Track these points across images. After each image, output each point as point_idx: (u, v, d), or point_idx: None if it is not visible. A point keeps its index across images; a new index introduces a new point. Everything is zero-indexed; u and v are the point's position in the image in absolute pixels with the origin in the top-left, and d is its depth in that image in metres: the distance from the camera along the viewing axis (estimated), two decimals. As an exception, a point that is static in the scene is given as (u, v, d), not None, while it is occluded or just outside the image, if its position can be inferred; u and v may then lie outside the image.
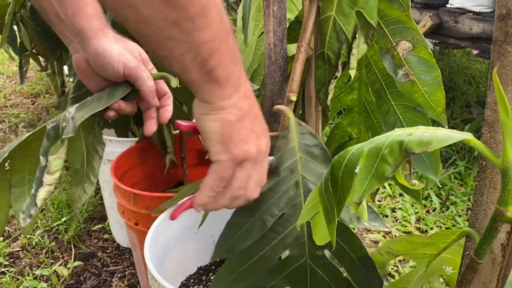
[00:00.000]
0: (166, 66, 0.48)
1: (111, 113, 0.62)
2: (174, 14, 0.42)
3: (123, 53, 0.59)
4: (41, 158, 0.58)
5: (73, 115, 0.57)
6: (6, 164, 0.62)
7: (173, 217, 0.59)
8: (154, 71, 0.64)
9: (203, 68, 0.47)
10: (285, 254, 0.59)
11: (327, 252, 0.58)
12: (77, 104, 0.59)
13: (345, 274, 0.58)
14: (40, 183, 0.57)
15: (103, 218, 1.75)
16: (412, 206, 1.78)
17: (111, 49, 0.58)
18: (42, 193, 0.57)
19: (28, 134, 0.60)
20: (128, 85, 0.60)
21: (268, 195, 0.58)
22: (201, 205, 0.57)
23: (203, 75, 0.48)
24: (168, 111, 0.66)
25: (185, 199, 0.58)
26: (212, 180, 0.54)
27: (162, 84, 0.66)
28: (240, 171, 0.54)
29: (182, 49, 0.45)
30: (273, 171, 0.59)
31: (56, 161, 0.57)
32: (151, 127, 0.66)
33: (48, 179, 0.57)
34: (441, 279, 0.57)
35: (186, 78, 0.49)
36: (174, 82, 0.61)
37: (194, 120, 0.56)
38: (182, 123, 0.58)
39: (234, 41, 0.50)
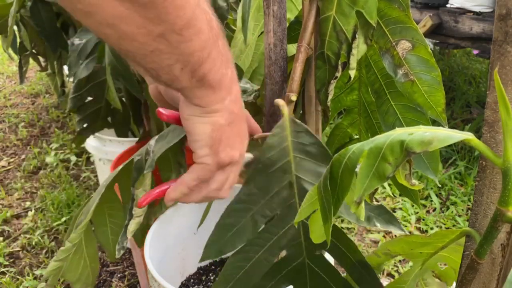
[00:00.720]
0: (154, 77, 0.46)
1: None
2: (158, 28, 0.40)
3: None
4: (132, 189, 0.62)
5: (153, 148, 0.59)
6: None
7: (140, 205, 0.57)
8: None
9: (194, 76, 0.45)
10: (282, 255, 0.58)
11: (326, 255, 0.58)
12: (156, 137, 0.61)
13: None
14: (131, 215, 0.60)
15: (103, 218, 1.75)
16: (412, 206, 1.78)
17: None
18: (132, 226, 0.59)
19: (120, 167, 0.64)
20: None
21: (259, 196, 0.57)
22: (173, 200, 0.56)
23: (194, 83, 0.46)
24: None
25: (157, 188, 0.56)
26: (190, 179, 0.54)
27: None
28: (220, 174, 0.54)
29: (170, 61, 0.43)
30: (261, 169, 0.58)
31: (141, 194, 0.59)
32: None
33: (137, 211, 0.59)
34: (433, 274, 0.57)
35: (176, 87, 0.47)
36: None
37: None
38: (164, 112, 0.55)
39: (225, 42, 0.49)
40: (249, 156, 0.61)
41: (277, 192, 0.57)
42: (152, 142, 0.60)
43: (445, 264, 0.55)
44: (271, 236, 0.56)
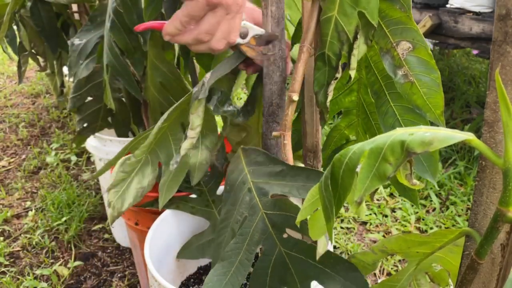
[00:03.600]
0: None
1: (241, 65, 0.71)
2: None
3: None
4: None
5: (207, 79, 0.67)
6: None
7: (137, 29, 0.65)
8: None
9: None
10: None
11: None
12: (210, 71, 0.69)
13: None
14: (185, 137, 0.69)
15: (103, 218, 1.75)
16: (412, 206, 1.78)
17: None
18: (185, 144, 0.67)
19: (181, 100, 0.73)
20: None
21: (232, 209, 0.69)
22: (168, 34, 0.62)
23: None
24: None
25: (157, 21, 0.65)
26: (182, 14, 0.58)
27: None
28: (211, 15, 0.58)
29: None
30: (229, 189, 0.71)
31: (195, 118, 0.67)
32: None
33: (191, 133, 0.67)
34: (427, 276, 0.57)
35: None
36: None
37: None
38: None
39: None
40: (259, 29, 0.67)
41: (242, 199, 0.68)
42: (207, 75, 0.68)
43: (439, 266, 0.55)
44: (245, 236, 0.64)
